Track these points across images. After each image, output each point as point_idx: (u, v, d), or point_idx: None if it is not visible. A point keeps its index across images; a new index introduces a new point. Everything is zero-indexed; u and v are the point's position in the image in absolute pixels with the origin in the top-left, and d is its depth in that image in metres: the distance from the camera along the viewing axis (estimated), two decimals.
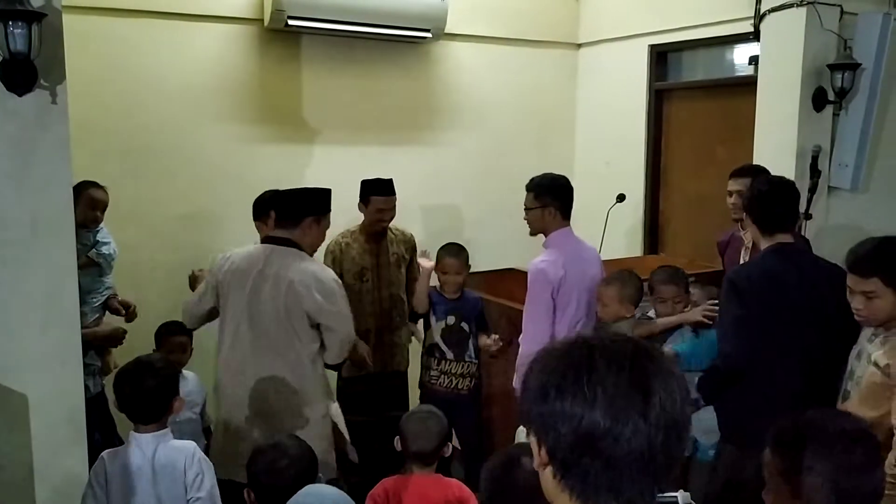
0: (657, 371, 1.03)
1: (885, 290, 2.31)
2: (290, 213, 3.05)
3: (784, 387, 2.69)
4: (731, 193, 3.66)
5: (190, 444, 2.42)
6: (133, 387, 2.35)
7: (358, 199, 3.96)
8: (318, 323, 3.01)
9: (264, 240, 3.15)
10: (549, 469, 1.06)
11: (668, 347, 3.14)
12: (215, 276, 3.11)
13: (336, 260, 3.95)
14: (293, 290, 2.93)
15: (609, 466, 1.01)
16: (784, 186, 2.96)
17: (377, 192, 3.90)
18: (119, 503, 2.33)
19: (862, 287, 2.36)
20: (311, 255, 3.11)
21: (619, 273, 3.41)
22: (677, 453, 1.05)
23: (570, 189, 3.47)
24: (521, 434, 3.24)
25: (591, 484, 1.03)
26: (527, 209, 3.46)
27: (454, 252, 3.85)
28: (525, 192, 3.48)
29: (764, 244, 2.88)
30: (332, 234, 4.06)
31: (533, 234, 3.51)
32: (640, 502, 1.03)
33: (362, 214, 3.98)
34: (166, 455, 2.35)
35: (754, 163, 3.95)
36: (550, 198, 3.40)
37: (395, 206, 3.96)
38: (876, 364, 2.38)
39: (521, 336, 3.45)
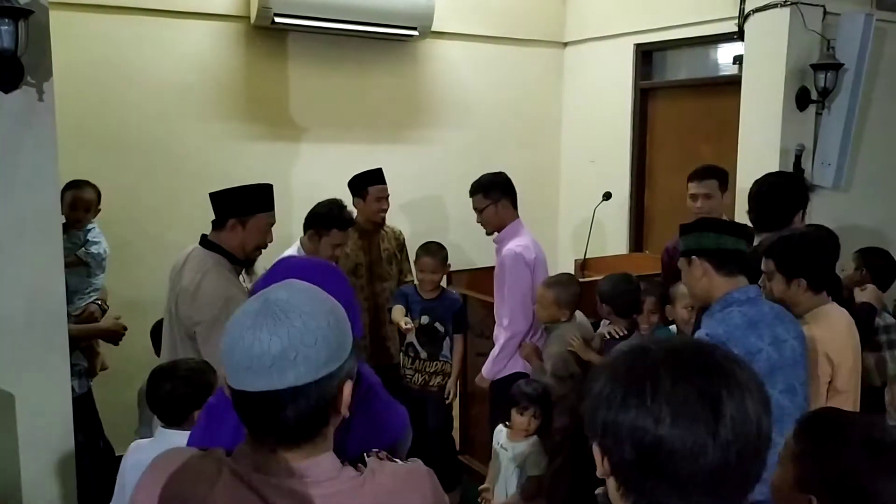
0: (729, 384, 0.97)
1: (775, 273, 2.53)
2: (217, 215, 2.86)
3: None
4: (695, 197, 3.56)
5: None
6: (152, 388, 2.33)
7: (351, 196, 3.98)
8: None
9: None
10: (612, 479, 1.03)
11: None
12: None
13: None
14: (178, 294, 2.74)
15: (675, 486, 0.96)
16: (774, 186, 2.99)
17: (374, 182, 3.96)
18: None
19: (764, 266, 2.58)
20: (245, 258, 2.89)
21: (559, 277, 3.47)
22: (755, 471, 0.99)
23: (512, 183, 3.60)
24: (501, 434, 3.26)
25: (657, 503, 0.98)
26: (479, 210, 3.56)
27: (431, 251, 3.88)
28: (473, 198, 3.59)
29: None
30: None
31: (490, 233, 3.61)
32: None
33: (357, 210, 3.98)
34: None
35: (739, 162, 4.01)
36: (499, 192, 3.52)
37: (388, 195, 4.03)
38: None
39: (504, 322, 3.48)
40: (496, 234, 3.60)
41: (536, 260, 3.49)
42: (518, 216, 3.60)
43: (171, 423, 2.31)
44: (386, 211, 4.04)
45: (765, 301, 2.37)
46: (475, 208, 3.59)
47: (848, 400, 2.48)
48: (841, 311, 2.59)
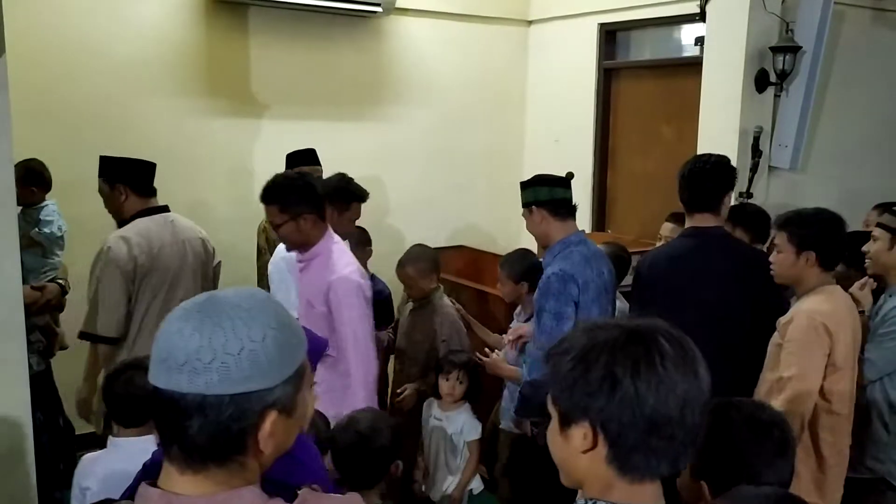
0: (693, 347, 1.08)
1: (786, 245, 2.54)
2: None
3: None
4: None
5: None
6: (124, 384, 2.20)
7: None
8: None
9: (145, 212, 3.10)
10: (596, 452, 1.07)
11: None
12: (119, 268, 3.00)
13: (269, 238, 3.92)
14: (206, 248, 3.22)
15: (672, 441, 1.05)
16: (715, 167, 3.01)
17: (305, 164, 3.87)
18: None
19: (776, 239, 2.60)
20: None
21: (412, 251, 3.60)
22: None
23: (317, 189, 2.91)
24: (432, 406, 3.38)
25: (654, 460, 1.06)
26: (275, 226, 2.88)
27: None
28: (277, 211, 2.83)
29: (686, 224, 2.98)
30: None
31: (293, 249, 2.93)
32: (683, 466, 1.11)
33: None
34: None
35: (699, 143, 4.06)
36: (306, 206, 2.81)
37: (322, 175, 3.91)
38: (776, 327, 2.56)
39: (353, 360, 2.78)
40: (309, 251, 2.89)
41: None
42: (329, 228, 2.91)
43: (128, 423, 2.21)
44: None
45: (587, 243, 2.85)
46: (274, 222, 2.86)
47: (844, 377, 2.49)
48: (844, 293, 2.60)
